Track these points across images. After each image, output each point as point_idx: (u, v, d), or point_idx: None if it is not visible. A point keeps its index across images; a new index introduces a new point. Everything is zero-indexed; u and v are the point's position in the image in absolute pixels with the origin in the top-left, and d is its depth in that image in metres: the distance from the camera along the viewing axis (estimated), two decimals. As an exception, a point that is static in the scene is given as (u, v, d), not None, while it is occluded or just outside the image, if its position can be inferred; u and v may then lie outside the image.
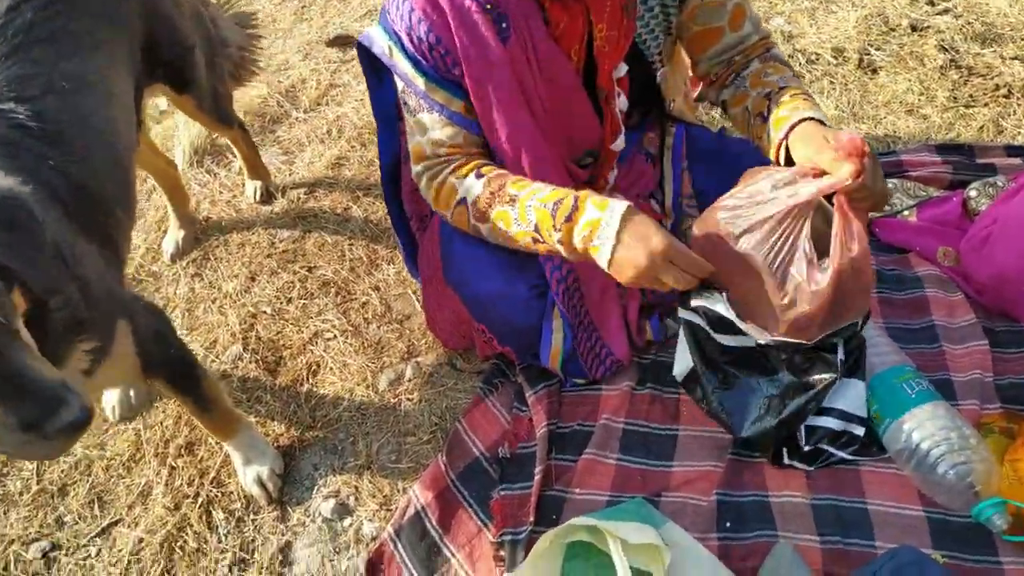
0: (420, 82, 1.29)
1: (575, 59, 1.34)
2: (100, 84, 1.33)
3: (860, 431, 1.38)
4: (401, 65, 1.29)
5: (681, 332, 1.43)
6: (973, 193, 1.83)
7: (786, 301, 1.24)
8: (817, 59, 2.38)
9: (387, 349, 1.73)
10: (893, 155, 2.01)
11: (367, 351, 1.73)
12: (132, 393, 1.66)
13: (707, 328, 1.38)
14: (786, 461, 1.38)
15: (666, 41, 1.47)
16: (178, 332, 1.46)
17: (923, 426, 1.32)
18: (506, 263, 1.42)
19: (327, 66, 2.62)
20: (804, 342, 1.30)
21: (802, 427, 1.38)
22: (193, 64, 1.69)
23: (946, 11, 2.50)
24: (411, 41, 1.26)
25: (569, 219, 1.22)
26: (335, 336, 1.76)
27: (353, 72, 2.56)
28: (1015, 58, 2.26)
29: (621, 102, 1.43)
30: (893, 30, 2.45)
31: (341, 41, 2.72)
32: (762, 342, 1.31)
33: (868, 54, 2.36)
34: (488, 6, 1.23)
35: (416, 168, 1.39)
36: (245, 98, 2.45)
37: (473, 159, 1.36)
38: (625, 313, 1.56)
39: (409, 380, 1.66)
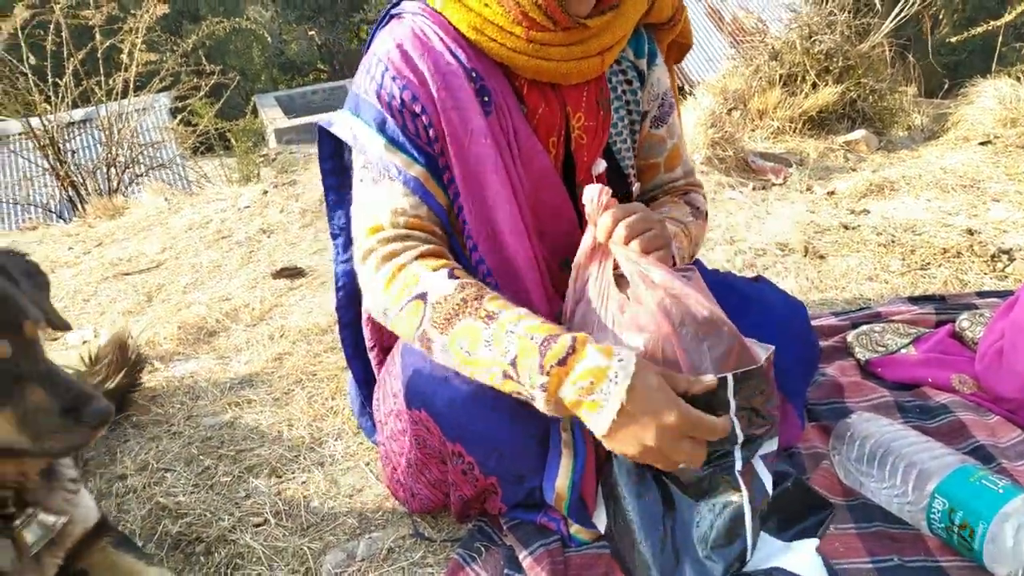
0: (380, 144, 1.16)
1: (552, 151, 1.27)
2: None
3: None
4: (360, 132, 1.18)
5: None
6: (965, 324, 1.74)
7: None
8: (764, 253, 2.44)
9: (333, 527, 1.35)
10: (868, 309, 1.95)
11: (306, 532, 1.34)
12: None
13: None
14: None
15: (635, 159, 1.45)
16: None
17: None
18: None
19: (272, 294, 2.52)
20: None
21: None
22: None
23: (866, 212, 2.68)
24: (380, 100, 1.16)
25: (563, 362, 0.98)
26: (265, 520, 1.38)
27: (301, 294, 2.46)
28: (948, 230, 2.37)
29: None
30: (827, 230, 2.58)
31: (288, 272, 2.66)
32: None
33: (812, 245, 2.43)
34: (474, 73, 1.18)
35: (368, 242, 1.16)
36: (181, 314, 2.28)
37: (443, 254, 1.18)
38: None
39: (362, 559, 1.27)
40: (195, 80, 6.21)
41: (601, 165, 1.33)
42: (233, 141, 7.84)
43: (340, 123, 1.23)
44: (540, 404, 1.01)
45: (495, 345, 1.03)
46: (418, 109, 1.15)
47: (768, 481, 1.08)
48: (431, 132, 1.16)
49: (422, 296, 1.09)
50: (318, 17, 18.88)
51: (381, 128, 1.17)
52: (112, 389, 1.71)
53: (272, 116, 13.25)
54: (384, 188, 1.17)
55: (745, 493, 1.04)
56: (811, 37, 4.30)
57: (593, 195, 1.12)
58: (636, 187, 1.46)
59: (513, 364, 1.01)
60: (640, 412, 0.95)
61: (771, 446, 1.10)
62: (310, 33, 18.78)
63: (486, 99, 1.18)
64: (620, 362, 0.97)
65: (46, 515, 1.11)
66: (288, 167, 8.29)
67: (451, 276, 1.10)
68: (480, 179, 1.18)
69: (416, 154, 1.16)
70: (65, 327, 1.14)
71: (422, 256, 1.14)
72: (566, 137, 1.28)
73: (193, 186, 6.68)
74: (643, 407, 0.95)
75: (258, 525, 1.37)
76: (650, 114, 1.40)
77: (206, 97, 6.42)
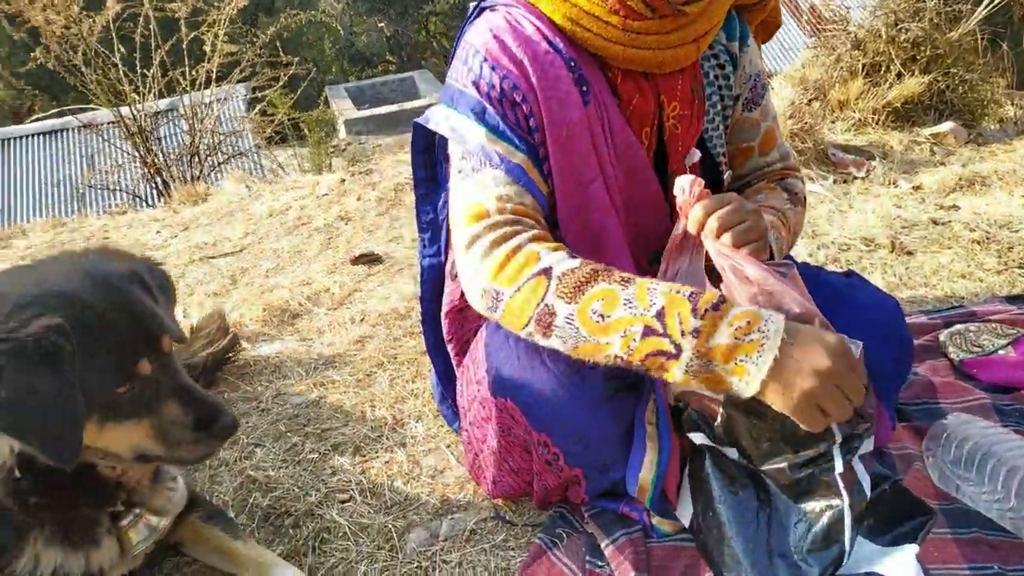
0: (480, 134, 1.15)
1: (645, 142, 1.26)
2: None
3: None
4: (459, 124, 1.18)
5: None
6: (1070, 326, 1.66)
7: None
8: (848, 248, 2.37)
9: (416, 507, 1.38)
10: (962, 308, 1.87)
11: (390, 510, 1.38)
12: None
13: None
14: None
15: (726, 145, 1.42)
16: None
17: None
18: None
19: (351, 279, 2.58)
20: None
21: None
22: None
23: (956, 208, 2.57)
24: (478, 90, 1.16)
25: (717, 308, 0.97)
26: (351, 496, 1.42)
27: (379, 279, 2.52)
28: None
29: None
30: (915, 225, 2.48)
31: (366, 258, 2.72)
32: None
33: (899, 240, 2.35)
34: (572, 63, 1.17)
35: (472, 228, 1.12)
36: (265, 297, 2.37)
37: (551, 238, 1.15)
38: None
39: (445, 539, 1.30)
40: (271, 71, 6.39)
41: (695, 155, 1.31)
42: (306, 131, 8.04)
43: (437, 118, 1.23)
44: (686, 356, 0.96)
45: (637, 301, 1.00)
46: (518, 98, 1.14)
47: (867, 483, 1.05)
48: (531, 121, 1.15)
49: (545, 271, 1.06)
50: (388, 9, 19.13)
51: (480, 118, 1.16)
52: (207, 362, 1.79)
53: (342, 107, 13.52)
54: (488, 176, 1.15)
55: (846, 498, 1.01)
56: (897, 25, 4.13)
57: (684, 185, 1.10)
58: (728, 174, 1.43)
59: (660, 315, 0.98)
60: (798, 354, 0.93)
61: (868, 446, 1.07)
62: (380, 25, 19.06)
63: (584, 88, 1.17)
64: (771, 312, 0.97)
65: (151, 516, 1.17)
66: (357, 157, 8.46)
67: (571, 256, 1.09)
68: (577, 172, 1.17)
69: (518, 142, 1.16)
70: (183, 341, 1.19)
71: (536, 239, 1.11)
72: (659, 127, 1.27)
73: (268, 175, 6.88)
74: (801, 349, 0.93)
75: (344, 501, 1.42)
76: (742, 96, 1.37)
77: (281, 88, 6.60)
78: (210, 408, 1.04)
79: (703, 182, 1.10)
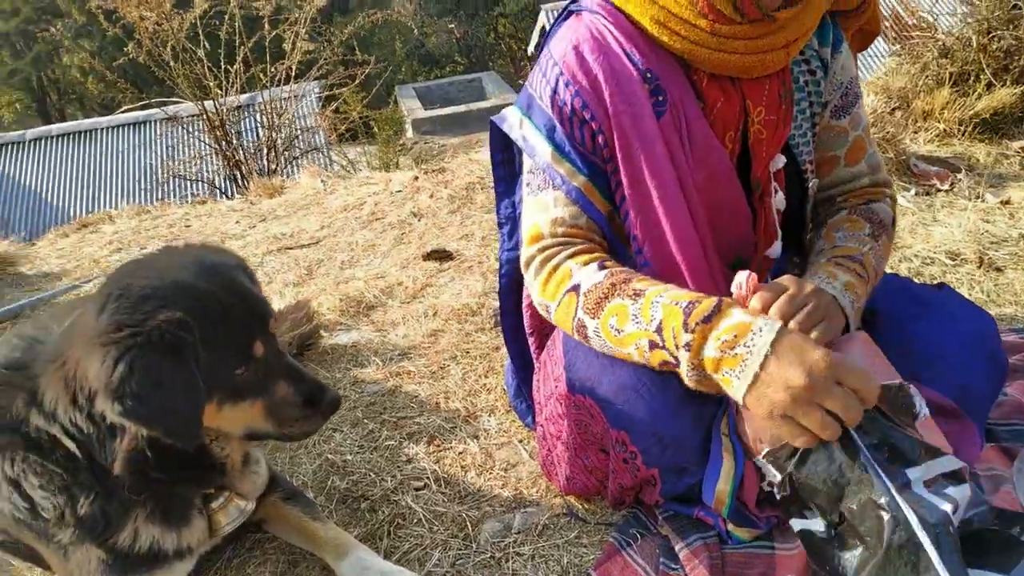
0: (547, 152, 1.20)
1: (729, 147, 1.25)
2: None
3: None
4: (530, 136, 1.23)
5: None
6: None
7: None
8: (932, 262, 2.29)
9: (489, 498, 1.41)
10: (1056, 327, 1.80)
11: (464, 500, 1.41)
12: None
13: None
14: None
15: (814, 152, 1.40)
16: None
17: None
18: None
19: (423, 274, 2.64)
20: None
21: None
22: None
23: (1053, 226, 2.46)
24: (552, 105, 1.20)
25: (708, 320, 1.00)
26: (426, 484, 1.46)
27: (450, 275, 2.56)
28: None
29: (778, 200, 1.31)
30: (1004, 241, 2.38)
31: (438, 255, 2.77)
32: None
33: (987, 256, 2.26)
34: (648, 74, 1.18)
35: (529, 251, 1.24)
36: (341, 288, 2.43)
37: (596, 250, 1.21)
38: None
39: (518, 532, 1.32)
40: (345, 70, 6.56)
41: (780, 161, 1.29)
42: (376, 129, 8.21)
43: (512, 121, 1.28)
44: (684, 367, 1.01)
45: (642, 316, 1.06)
46: (588, 116, 1.17)
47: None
48: (600, 139, 1.18)
49: (575, 288, 1.15)
50: (458, 11, 19.36)
51: (550, 135, 1.20)
52: (293, 345, 1.86)
53: (410, 107, 13.75)
54: (549, 197, 1.22)
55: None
56: (990, 33, 3.96)
57: (741, 281, 1.08)
58: (813, 184, 1.40)
59: (659, 330, 1.03)
60: (789, 354, 0.93)
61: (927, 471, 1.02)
62: (450, 26, 19.29)
63: (660, 99, 1.18)
64: (766, 322, 0.98)
65: (239, 499, 1.23)
66: (424, 156, 8.59)
67: (601, 267, 1.15)
68: (649, 186, 1.18)
69: (581, 164, 1.19)
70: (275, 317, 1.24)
71: (574, 255, 1.19)
72: (744, 132, 1.26)
73: (339, 171, 7.06)
74: (791, 351, 0.94)
75: (419, 489, 1.45)
76: (831, 104, 1.34)
77: (354, 87, 6.76)
78: (315, 386, 1.10)
79: (756, 276, 1.08)
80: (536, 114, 1.23)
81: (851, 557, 0.99)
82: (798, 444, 0.97)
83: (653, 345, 1.05)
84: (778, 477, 1.07)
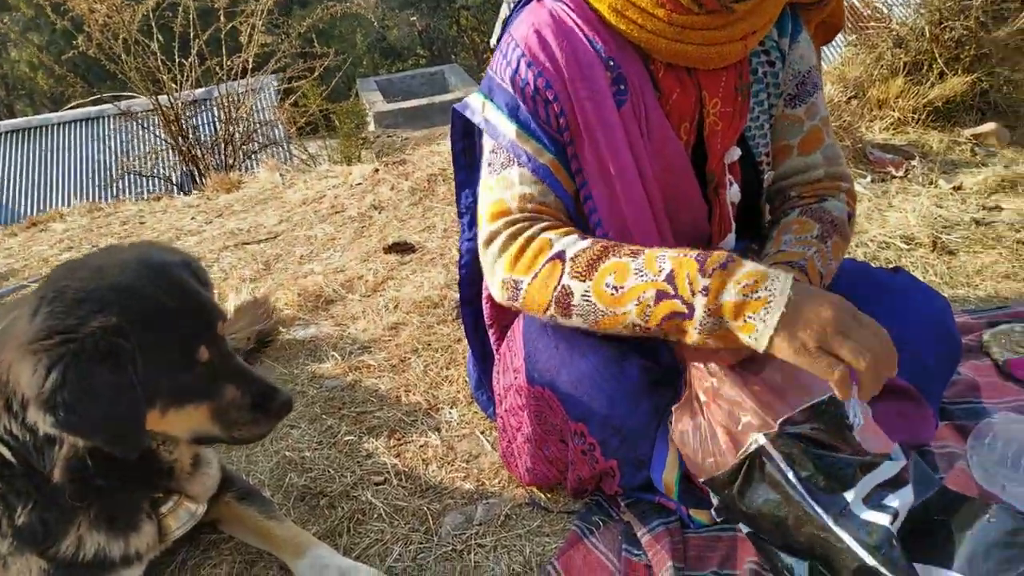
0: (511, 130, 1.17)
1: (684, 138, 1.24)
2: None
3: None
4: (493, 117, 1.20)
5: None
6: (1121, 328, 1.61)
7: None
8: (888, 246, 2.33)
9: (450, 491, 1.39)
10: (1007, 308, 1.83)
11: (425, 493, 1.39)
12: None
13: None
14: None
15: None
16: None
17: None
18: (610, 337, 1.16)
19: (384, 267, 2.60)
20: None
21: None
22: None
23: (999, 208, 2.52)
24: (514, 86, 1.17)
25: (724, 267, 1.00)
26: (386, 479, 1.43)
27: (411, 268, 2.53)
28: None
29: (733, 192, 1.30)
30: (956, 225, 2.43)
31: (399, 248, 2.74)
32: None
33: (940, 240, 2.30)
34: (611, 62, 1.16)
35: (493, 226, 1.17)
36: (299, 283, 2.39)
37: (568, 225, 1.18)
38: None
39: (480, 524, 1.30)
40: (304, 62, 6.45)
41: (736, 153, 1.29)
42: (337, 123, 8.10)
43: (474, 106, 1.24)
44: (699, 314, 0.99)
45: (647, 269, 1.04)
46: (551, 96, 1.15)
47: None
48: (562, 121, 1.16)
49: (559, 255, 1.10)
50: (420, 3, 19.20)
51: (513, 114, 1.17)
52: (248, 343, 1.81)
53: (372, 100, 13.58)
54: (514, 174, 1.18)
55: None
56: (942, 23, 4.04)
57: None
58: (769, 175, 1.40)
59: (670, 278, 1.01)
60: (810, 299, 0.95)
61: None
62: (412, 19, 19.13)
63: (622, 87, 1.16)
64: (779, 271, 0.99)
65: (189, 503, 1.18)
66: (387, 149, 8.50)
67: (582, 237, 1.12)
68: (611, 173, 1.17)
69: (547, 142, 1.17)
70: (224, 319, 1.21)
71: (548, 228, 1.15)
72: (699, 124, 1.25)
73: (299, 165, 6.95)
74: (810, 296, 0.96)
75: (379, 484, 1.43)
76: (785, 92, 1.34)
77: (313, 80, 6.66)
78: (265, 388, 1.07)
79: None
80: (498, 95, 1.20)
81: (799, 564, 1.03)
82: (834, 379, 0.95)
83: (661, 296, 1.01)
84: (715, 501, 1.12)
